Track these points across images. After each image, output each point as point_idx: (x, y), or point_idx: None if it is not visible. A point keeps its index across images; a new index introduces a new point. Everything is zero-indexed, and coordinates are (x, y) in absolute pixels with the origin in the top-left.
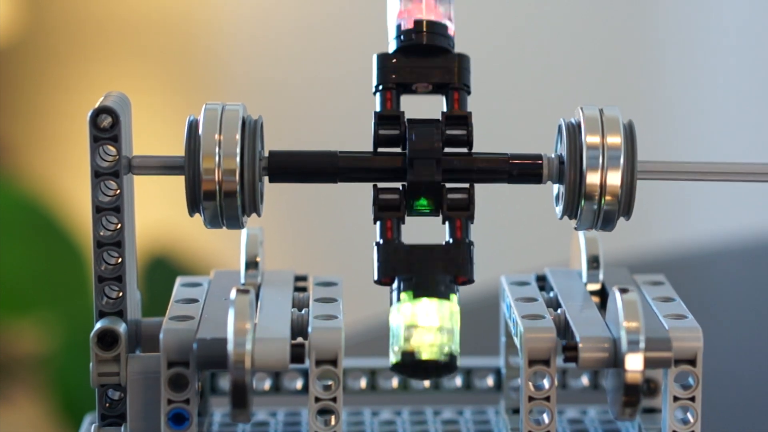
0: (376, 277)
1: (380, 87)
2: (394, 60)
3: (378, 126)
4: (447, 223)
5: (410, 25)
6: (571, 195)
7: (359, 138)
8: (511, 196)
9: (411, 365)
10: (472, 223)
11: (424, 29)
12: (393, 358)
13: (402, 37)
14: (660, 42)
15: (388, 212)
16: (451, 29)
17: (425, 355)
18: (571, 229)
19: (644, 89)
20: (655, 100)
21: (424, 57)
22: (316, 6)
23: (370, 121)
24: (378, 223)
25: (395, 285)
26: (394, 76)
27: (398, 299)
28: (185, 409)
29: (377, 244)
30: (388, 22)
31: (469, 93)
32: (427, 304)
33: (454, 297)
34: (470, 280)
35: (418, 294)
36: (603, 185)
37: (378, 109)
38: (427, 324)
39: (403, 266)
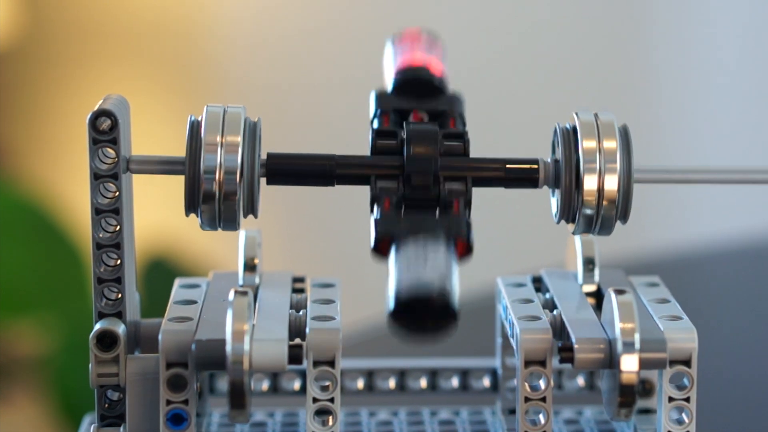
0: (372, 244)
1: (377, 112)
2: (391, 95)
3: (375, 139)
4: (444, 211)
5: (406, 69)
6: (567, 199)
7: (355, 144)
8: (507, 198)
9: (403, 306)
10: (469, 213)
11: (420, 73)
12: (387, 309)
13: (398, 79)
14: (653, 48)
15: (386, 193)
16: (446, 78)
17: (417, 292)
18: (567, 230)
19: (637, 95)
20: (647, 105)
21: (420, 96)
22: (313, 11)
23: (367, 127)
24: (375, 205)
25: (393, 251)
26: (391, 104)
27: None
28: (184, 410)
29: (374, 219)
30: (385, 74)
31: (464, 124)
32: (425, 249)
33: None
34: (469, 249)
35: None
36: (600, 189)
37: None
38: (422, 267)
39: (400, 228)
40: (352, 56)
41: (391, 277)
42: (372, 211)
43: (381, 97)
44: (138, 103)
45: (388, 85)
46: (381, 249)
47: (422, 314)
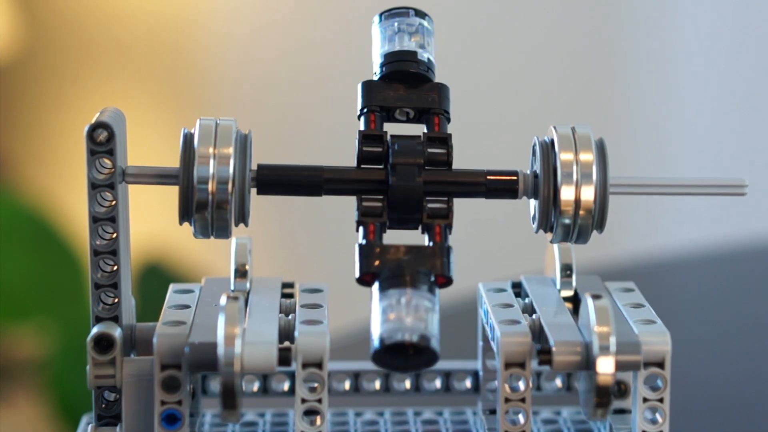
0: (357, 275)
1: (364, 110)
2: (378, 86)
3: (362, 144)
4: (426, 231)
5: (393, 55)
6: (545, 210)
7: (345, 156)
8: (488, 207)
9: (386, 349)
10: (451, 233)
11: (407, 59)
12: (372, 348)
13: (385, 67)
14: (629, 64)
15: (371, 217)
16: (433, 62)
17: (400, 338)
18: (546, 238)
19: (613, 109)
20: (623, 119)
21: (407, 85)
22: (304, 27)
23: (354, 141)
24: (361, 227)
25: (376, 284)
26: (377, 100)
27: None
28: (178, 410)
29: (359, 245)
30: (372, 54)
31: (448, 120)
32: (405, 293)
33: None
34: (449, 280)
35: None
36: (577, 200)
37: (362, 128)
38: (404, 312)
39: (383, 264)
40: (341, 75)
41: (374, 316)
42: (357, 229)
43: (368, 89)
44: (134, 116)
45: (375, 68)
46: (365, 280)
47: (404, 356)
